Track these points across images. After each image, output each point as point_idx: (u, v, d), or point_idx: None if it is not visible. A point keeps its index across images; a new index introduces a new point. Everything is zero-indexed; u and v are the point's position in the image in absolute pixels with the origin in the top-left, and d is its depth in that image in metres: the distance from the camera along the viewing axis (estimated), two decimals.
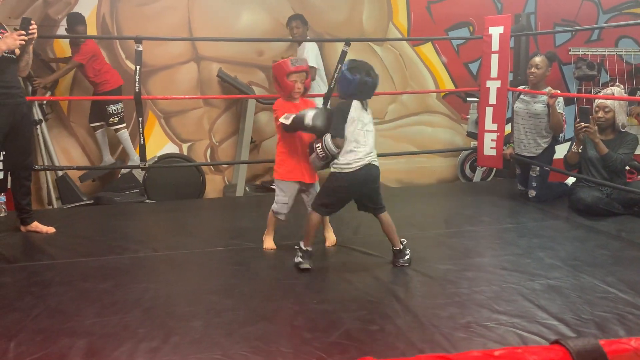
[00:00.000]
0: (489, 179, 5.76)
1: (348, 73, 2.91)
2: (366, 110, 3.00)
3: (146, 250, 3.33)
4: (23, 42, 3.15)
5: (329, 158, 2.97)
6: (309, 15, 5.22)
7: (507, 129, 5.14)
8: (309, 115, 2.96)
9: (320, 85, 5.06)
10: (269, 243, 3.34)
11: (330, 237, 3.43)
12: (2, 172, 3.92)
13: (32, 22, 3.23)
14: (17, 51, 3.26)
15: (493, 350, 1.39)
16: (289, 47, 5.43)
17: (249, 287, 2.78)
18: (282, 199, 3.26)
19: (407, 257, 3.06)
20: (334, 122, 2.93)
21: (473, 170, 5.78)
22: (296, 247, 3.04)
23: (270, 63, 5.30)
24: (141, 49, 4.19)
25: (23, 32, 3.15)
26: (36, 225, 3.65)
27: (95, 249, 3.36)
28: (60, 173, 4.99)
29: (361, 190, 3.00)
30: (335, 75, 4.67)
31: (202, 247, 3.41)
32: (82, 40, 4.80)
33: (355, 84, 2.89)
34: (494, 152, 4.83)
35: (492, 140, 4.82)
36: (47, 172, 4.98)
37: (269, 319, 2.42)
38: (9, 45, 3.10)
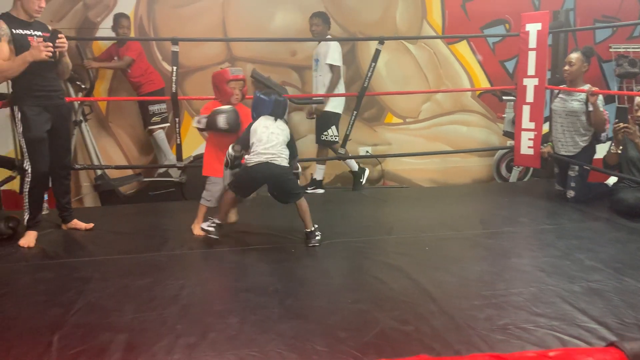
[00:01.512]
0: (526, 179, 5.65)
1: (263, 96, 3.39)
2: (275, 121, 3.40)
3: (182, 248, 3.39)
4: (49, 54, 3.21)
5: (229, 163, 3.39)
6: (342, 14, 5.22)
7: (545, 127, 5.03)
8: (221, 118, 3.41)
9: (341, 85, 5.02)
10: (197, 230, 3.60)
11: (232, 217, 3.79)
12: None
13: (60, 35, 3.34)
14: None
15: (548, 351, 1.36)
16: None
17: (282, 286, 2.80)
18: (215, 192, 3.63)
19: (317, 237, 3.39)
20: (242, 134, 3.41)
21: (509, 170, 5.67)
22: (210, 218, 3.45)
23: (304, 63, 5.36)
24: (178, 50, 4.26)
25: (50, 44, 3.23)
26: (75, 223, 3.77)
27: (133, 246, 3.44)
28: (99, 172, 5.12)
29: (264, 182, 3.41)
30: (369, 74, 4.67)
31: (236, 245, 3.45)
32: (122, 33, 4.91)
33: (269, 104, 3.37)
34: (531, 152, 4.74)
35: (529, 139, 4.73)
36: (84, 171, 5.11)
37: (303, 317, 2.42)
38: (35, 56, 3.17)
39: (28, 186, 3.45)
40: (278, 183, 3.40)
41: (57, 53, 3.35)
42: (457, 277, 2.86)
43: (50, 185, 3.75)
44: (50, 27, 3.51)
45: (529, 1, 5.83)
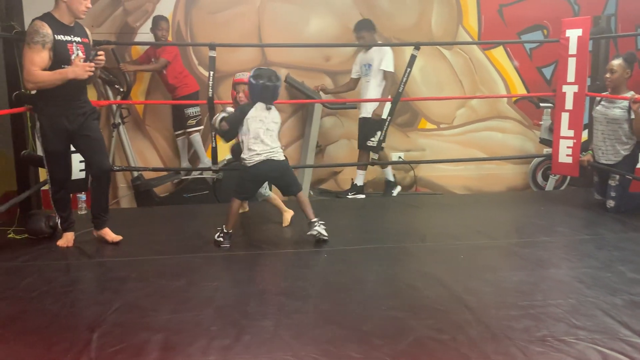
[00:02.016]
0: (562, 187, 5.53)
1: (252, 79, 3.41)
2: (269, 111, 3.45)
3: (217, 250, 3.42)
4: (91, 74, 3.21)
5: (213, 129, 3.73)
6: (377, 19, 5.21)
7: (585, 135, 4.91)
8: (216, 118, 3.57)
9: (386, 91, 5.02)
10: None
11: (287, 217, 3.93)
12: (84, 172, 4.12)
13: (99, 52, 3.26)
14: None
15: None
16: (355, 52, 5.44)
17: (316, 290, 2.80)
18: None
19: (316, 227, 3.44)
20: (233, 114, 3.51)
21: (545, 178, 5.56)
22: (219, 228, 3.49)
23: (338, 68, 5.37)
24: (215, 55, 4.31)
25: (93, 64, 3.19)
26: (106, 232, 3.57)
27: (169, 247, 3.49)
28: (135, 174, 5.22)
29: (266, 179, 3.58)
30: (404, 79, 4.64)
31: (269, 248, 3.47)
32: (161, 35, 5.00)
33: (258, 88, 3.39)
34: (569, 160, 4.63)
35: (568, 147, 4.63)
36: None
37: (337, 322, 2.41)
38: (78, 75, 3.13)
39: (51, 195, 3.45)
40: (276, 179, 3.54)
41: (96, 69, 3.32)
42: (493, 287, 2.81)
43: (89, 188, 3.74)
44: (88, 31, 3.45)
45: (569, 7, 5.72)
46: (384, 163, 5.28)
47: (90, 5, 3.32)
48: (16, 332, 2.35)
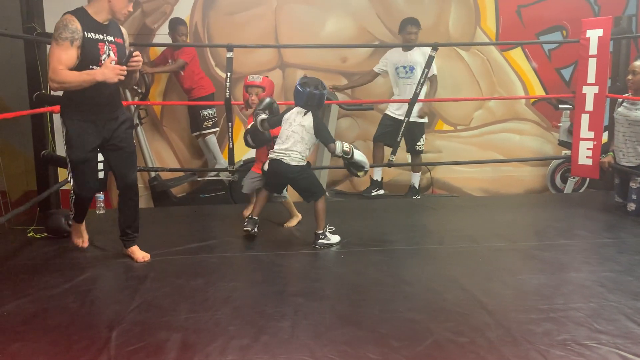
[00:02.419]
0: (581, 190, 5.46)
1: (299, 87, 3.48)
2: (302, 115, 3.49)
3: (233, 251, 3.44)
4: (122, 78, 2.86)
5: (253, 130, 3.65)
6: (394, 21, 5.19)
7: (604, 137, 4.84)
8: (258, 118, 3.61)
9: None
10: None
11: (292, 221, 4.00)
12: (103, 172, 4.16)
13: (135, 54, 2.93)
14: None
15: None
16: (372, 53, 5.43)
17: (333, 291, 2.79)
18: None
19: (320, 241, 3.45)
20: (275, 117, 3.60)
21: (564, 180, 5.49)
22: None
23: (354, 69, 5.36)
24: (232, 57, 4.33)
25: (125, 67, 2.86)
26: (133, 251, 3.28)
27: (186, 247, 3.50)
28: (153, 174, 5.26)
29: (275, 180, 3.59)
30: (422, 80, 4.62)
31: (286, 249, 3.47)
32: (180, 39, 5.05)
33: (305, 95, 3.45)
34: (589, 162, 4.58)
35: (588, 149, 4.57)
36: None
37: (355, 324, 2.41)
38: (107, 78, 2.80)
39: (72, 201, 3.25)
40: (289, 181, 3.57)
41: (132, 71, 3.00)
42: (512, 290, 2.78)
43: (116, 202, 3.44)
44: (124, 31, 3.14)
45: (589, 7, 5.65)
46: (401, 165, 5.25)
47: (131, 10, 3.05)
48: (37, 330, 2.37)
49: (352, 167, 3.53)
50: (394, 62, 4.99)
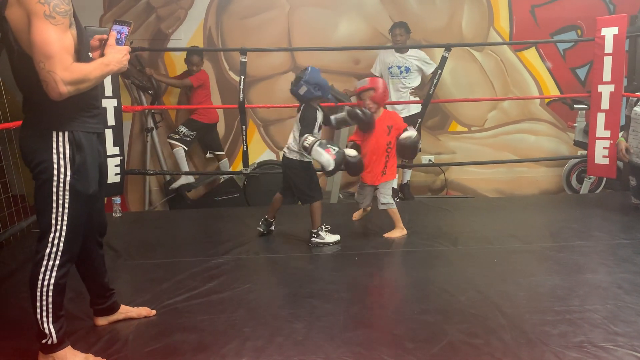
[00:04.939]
0: (598, 191, 5.40)
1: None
2: (299, 110, 3.53)
3: (248, 253, 3.46)
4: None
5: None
6: (407, 22, 5.19)
7: (620, 136, 4.79)
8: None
9: None
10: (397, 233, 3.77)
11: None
12: (120, 176, 4.22)
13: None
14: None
15: None
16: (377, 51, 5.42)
17: (347, 293, 2.80)
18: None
19: (314, 239, 3.50)
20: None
21: (580, 181, 5.44)
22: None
23: (367, 72, 5.36)
24: (245, 60, 4.36)
25: (129, 47, 2.14)
26: (128, 310, 2.54)
27: (201, 249, 3.53)
28: (167, 178, 5.31)
29: (284, 178, 3.65)
30: (435, 81, 4.62)
31: (299, 251, 3.48)
32: (195, 70, 5.09)
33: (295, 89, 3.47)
34: (606, 161, 4.53)
35: (604, 148, 4.52)
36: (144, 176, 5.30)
37: (369, 325, 2.41)
38: (122, 64, 2.04)
39: (54, 277, 2.01)
40: (289, 177, 3.57)
41: None
42: (527, 291, 2.77)
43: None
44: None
45: (603, 6, 5.60)
46: (414, 166, 5.25)
47: None
48: None
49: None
50: (387, 62, 5.11)
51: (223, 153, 5.44)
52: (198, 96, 5.15)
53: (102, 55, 2.01)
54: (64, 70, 1.83)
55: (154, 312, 2.57)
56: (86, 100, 2.02)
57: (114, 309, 2.48)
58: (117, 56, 2.01)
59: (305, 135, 3.37)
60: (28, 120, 2.02)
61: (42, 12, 1.81)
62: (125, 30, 2.07)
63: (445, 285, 2.85)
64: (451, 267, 3.16)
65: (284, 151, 3.58)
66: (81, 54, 1.97)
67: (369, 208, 4.05)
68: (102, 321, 2.47)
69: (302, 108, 3.50)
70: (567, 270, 3.05)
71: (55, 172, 1.97)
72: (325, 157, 3.30)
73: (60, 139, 1.97)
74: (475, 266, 3.13)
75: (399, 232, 3.73)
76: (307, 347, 2.23)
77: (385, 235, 3.70)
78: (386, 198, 3.73)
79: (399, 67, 5.06)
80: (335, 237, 3.57)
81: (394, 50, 5.11)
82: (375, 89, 3.66)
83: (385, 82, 3.94)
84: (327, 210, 3.94)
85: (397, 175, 5.20)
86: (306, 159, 3.52)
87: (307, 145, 3.34)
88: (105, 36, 2.06)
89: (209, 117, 5.26)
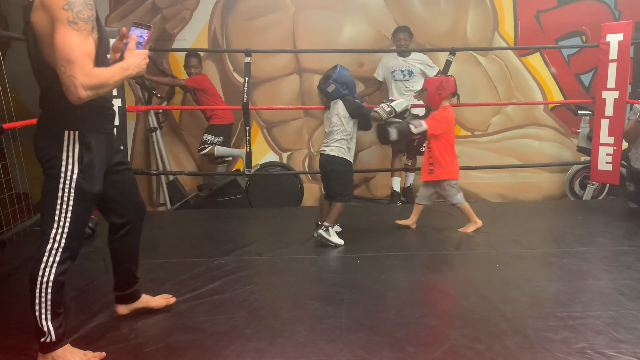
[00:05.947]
0: (600, 197, 5.39)
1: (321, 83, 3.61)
2: (335, 106, 3.59)
3: (250, 254, 3.46)
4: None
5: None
6: (412, 25, 5.19)
7: (625, 143, 4.78)
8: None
9: None
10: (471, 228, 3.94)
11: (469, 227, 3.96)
12: None
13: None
14: None
15: None
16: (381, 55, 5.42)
17: (349, 296, 2.79)
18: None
19: (320, 231, 3.53)
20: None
21: (583, 187, 5.43)
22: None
23: (371, 74, 5.36)
24: (250, 61, 4.37)
25: (147, 50, 2.13)
26: (148, 300, 2.59)
27: (203, 250, 3.54)
28: (171, 177, 5.31)
29: (323, 177, 3.71)
30: None
31: (302, 253, 3.48)
32: (193, 72, 5.08)
33: (325, 87, 3.59)
34: (609, 167, 4.52)
35: (607, 154, 4.52)
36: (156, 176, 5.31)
37: (371, 329, 2.41)
38: (141, 68, 2.07)
39: (53, 273, 2.02)
40: (328, 174, 3.62)
41: None
42: (529, 297, 2.76)
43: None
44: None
45: (609, 12, 5.59)
46: (418, 169, 5.24)
47: None
48: None
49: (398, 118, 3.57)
50: (390, 66, 5.13)
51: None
52: (206, 101, 5.14)
53: (121, 58, 2.05)
54: (84, 75, 1.86)
55: (173, 299, 2.63)
56: (99, 102, 2.08)
57: (135, 297, 2.53)
58: (136, 60, 2.04)
59: (375, 110, 3.50)
60: (43, 117, 2.09)
61: (65, 18, 1.85)
62: (145, 34, 2.11)
63: (448, 289, 2.85)
64: (453, 271, 3.16)
65: (323, 149, 3.63)
66: (100, 56, 2.00)
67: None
68: (123, 309, 2.52)
69: (343, 103, 3.54)
70: (569, 276, 3.05)
71: (63, 169, 2.03)
72: (402, 101, 3.58)
73: (72, 138, 2.04)
74: (477, 271, 3.13)
75: (473, 226, 3.91)
76: (309, 349, 2.23)
77: (460, 229, 3.90)
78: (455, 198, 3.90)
79: (402, 71, 5.08)
80: (340, 241, 3.57)
81: (396, 54, 5.12)
82: (428, 89, 3.83)
83: (432, 83, 3.93)
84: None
85: (399, 177, 5.23)
86: (348, 158, 3.57)
87: (388, 110, 3.49)
88: (126, 39, 2.09)
89: (226, 118, 5.25)
